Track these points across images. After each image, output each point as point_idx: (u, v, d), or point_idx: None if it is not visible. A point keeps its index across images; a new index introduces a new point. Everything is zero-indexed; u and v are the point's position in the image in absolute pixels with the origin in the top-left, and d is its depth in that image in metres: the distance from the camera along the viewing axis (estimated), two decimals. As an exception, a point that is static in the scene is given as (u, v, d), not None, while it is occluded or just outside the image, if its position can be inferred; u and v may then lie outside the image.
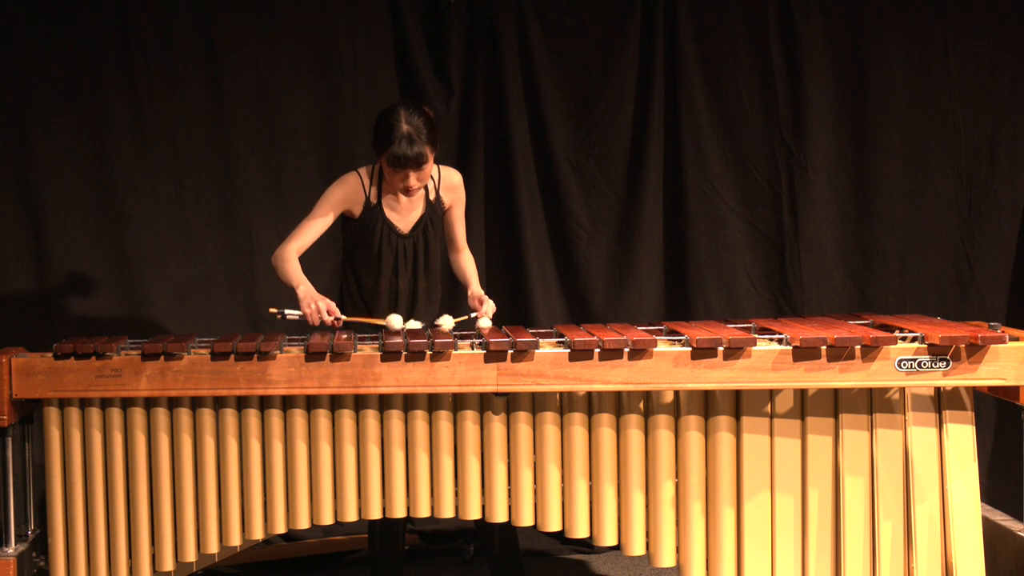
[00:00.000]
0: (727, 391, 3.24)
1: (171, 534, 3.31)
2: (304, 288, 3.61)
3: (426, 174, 3.62)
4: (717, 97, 4.65)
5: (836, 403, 3.25)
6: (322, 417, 3.28)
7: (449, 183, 3.79)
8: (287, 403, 3.28)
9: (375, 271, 3.75)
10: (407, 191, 3.64)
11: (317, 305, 3.54)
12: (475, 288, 3.80)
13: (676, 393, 3.26)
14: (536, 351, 3.22)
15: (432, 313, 3.79)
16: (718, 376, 3.20)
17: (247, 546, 3.36)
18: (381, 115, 3.62)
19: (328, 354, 3.22)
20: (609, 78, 4.64)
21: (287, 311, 3.62)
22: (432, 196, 3.75)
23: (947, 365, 3.18)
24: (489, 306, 3.69)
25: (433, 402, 3.28)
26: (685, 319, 4.20)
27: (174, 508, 3.31)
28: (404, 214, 3.74)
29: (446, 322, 3.63)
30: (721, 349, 3.19)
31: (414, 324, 3.62)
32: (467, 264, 3.89)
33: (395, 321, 3.57)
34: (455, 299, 4.22)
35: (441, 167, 3.79)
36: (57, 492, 3.31)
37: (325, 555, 4.44)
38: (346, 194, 3.73)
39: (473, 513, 3.29)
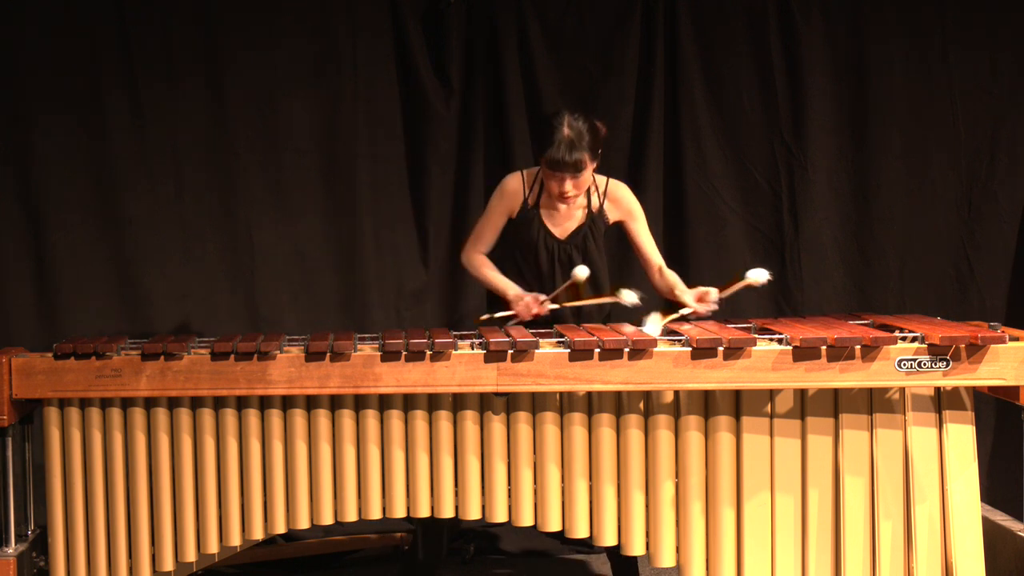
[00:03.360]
0: (727, 391, 3.24)
1: (171, 534, 3.31)
2: (514, 291, 3.67)
3: (583, 182, 3.61)
4: (717, 97, 4.65)
5: (836, 403, 3.25)
6: (322, 417, 3.28)
7: (614, 196, 3.76)
8: (287, 403, 3.28)
9: (535, 271, 3.77)
10: (562, 197, 3.63)
11: (526, 301, 3.60)
12: (683, 288, 3.70)
13: (676, 393, 3.26)
14: (536, 351, 3.22)
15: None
16: (718, 376, 3.20)
17: (247, 546, 3.36)
18: (545, 118, 3.65)
19: (328, 354, 3.22)
20: (609, 78, 4.64)
21: (497, 314, 3.67)
22: (596, 208, 3.74)
23: (947, 365, 3.18)
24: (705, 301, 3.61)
25: (433, 402, 3.28)
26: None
27: (174, 508, 3.31)
28: (561, 220, 3.73)
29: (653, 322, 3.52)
30: (721, 349, 3.19)
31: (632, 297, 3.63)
32: (669, 275, 3.76)
33: (627, 296, 3.60)
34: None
35: (610, 180, 3.78)
36: (57, 492, 3.31)
37: (325, 555, 4.44)
38: (506, 200, 3.75)
39: (473, 513, 3.29)
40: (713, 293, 3.61)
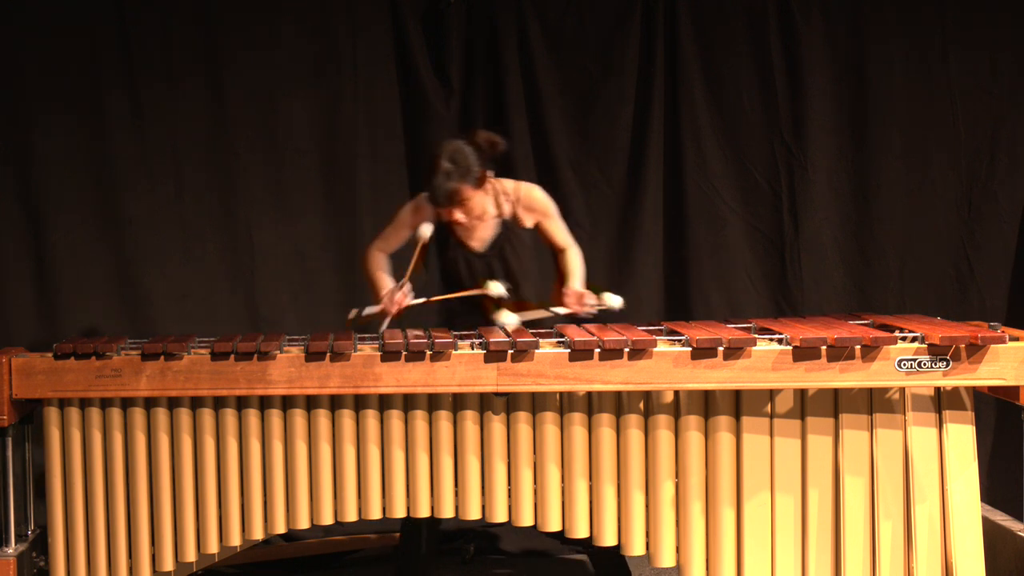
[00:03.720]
0: (727, 391, 3.24)
1: (171, 534, 3.31)
2: (384, 291, 3.66)
3: (472, 207, 3.60)
4: (717, 97, 4.65)
5: (836, 403, 3.25)
6: (322, 417, 3.28)
7: (527, 201, 3.73)
8: (287, 403, 3.28)
9: (457, 287, 3.76)
10: (455, 224, 3.63)
11: (386, 297, 3.60)
12: (572, 284, 3.67)
13: (676, 393, 3.26)
14: (536, 351, 3.22)
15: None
16: (718, 376, 3.20)
17: (247, 546, 3.36)
18: (434, 149, 3.61)
19: (328, 354, 3.22)
20: (609, 78, 4.64)
21: (365, 310, 3.64)
22: (507, 216, 3.72)
23: (947, 365, 3.18)
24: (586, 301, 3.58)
25: (433, 402, 3.28)
26: (685, 319, 4.19)
27: (174, 508, 3.31)
28: (476, 233, 3.72)
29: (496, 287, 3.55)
30: (721, 349, 3.19)
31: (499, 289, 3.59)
32: (567, 261, 3.74)
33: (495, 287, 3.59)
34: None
35: (521, 184, 3.75)
36: (57, 492, 3.31)
37: (325, 555, 4.44)
38: (413, 214, 3.74)
39: (473, 513, 3.29)
40: (590, 298, 3.57)
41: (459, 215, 3.59)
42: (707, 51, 4.64)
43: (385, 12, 4.61)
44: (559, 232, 3.78)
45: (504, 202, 3.71)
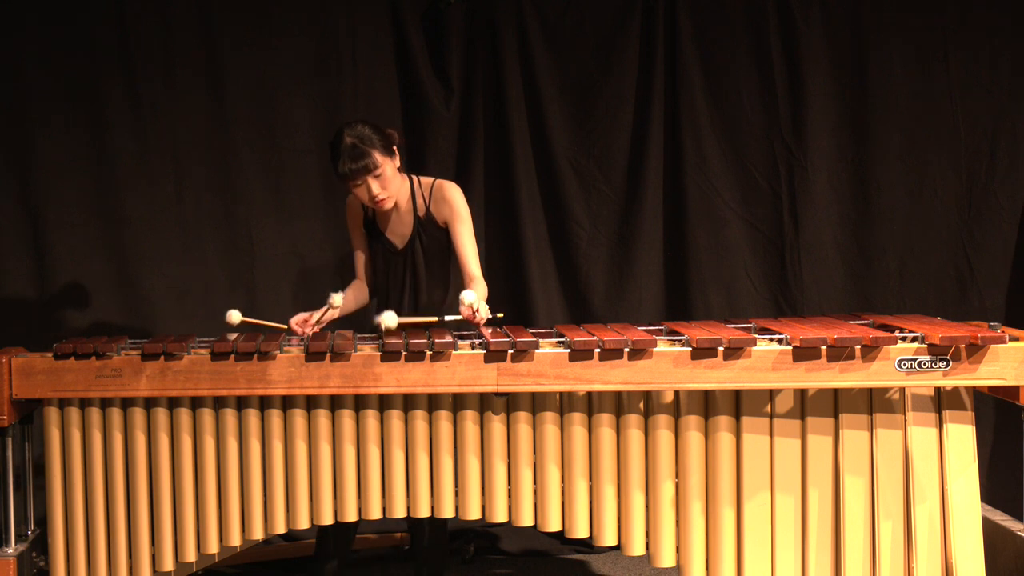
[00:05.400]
0: (727, 391, 3.24)
1: (171, 534, 3.31)
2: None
3: (387, 180, 3.54)
4: (717, 97, 4.65)
5: (836, 403, 3.25)
6: (322, 417, 3.28)
7: (439, 196, 3.67)
8: (287, 403, 3.28)
9: (378, 285, 3.78)
10: (374, 202, 3.56)
11: (297, 321, 3.53)
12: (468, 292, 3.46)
13: (676, 393, 3.26)
14: (536, 351, 3.22)
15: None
16: (718, 376, 3.20)
17: (247, 546, 3.37)
18: (330, 141, 3.57)
19: (328, 354, 3.22)
20: (609, 78, 4.64)
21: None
22: (422, 212, 3.68)
23: (947, 365, 3.18)
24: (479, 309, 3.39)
25: (433, 402, 3.28)
26: (685, 319, 4.19)
27: (174, 508, 3.31)
28: (397, 229, 3.71)
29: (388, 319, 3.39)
30: (721, 349, 3.19)
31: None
32: (474, 289, 3.52)
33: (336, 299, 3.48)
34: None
35: (437, 180, 3.72)
36: (57, 492, 3.31)
37: (325, 555, 4.43)
38: (350, 217, 3.78)
39: (473, 513, 3.29)
40: (482, 310, 3.37)
41: (377, 188, 3.52)
42: (707, 51, 4.64)
43: (385, 12, 4.61)
44: (467, 243, 3.63)
45: (420, 197, 3.67)
